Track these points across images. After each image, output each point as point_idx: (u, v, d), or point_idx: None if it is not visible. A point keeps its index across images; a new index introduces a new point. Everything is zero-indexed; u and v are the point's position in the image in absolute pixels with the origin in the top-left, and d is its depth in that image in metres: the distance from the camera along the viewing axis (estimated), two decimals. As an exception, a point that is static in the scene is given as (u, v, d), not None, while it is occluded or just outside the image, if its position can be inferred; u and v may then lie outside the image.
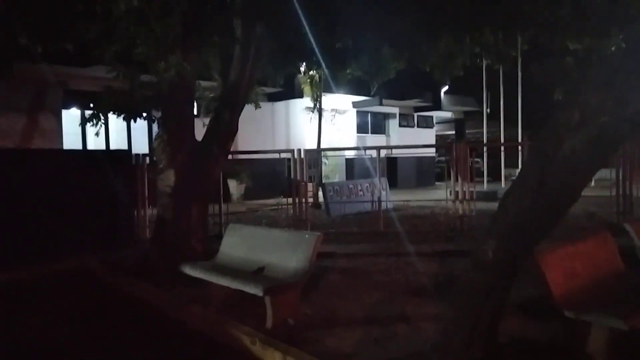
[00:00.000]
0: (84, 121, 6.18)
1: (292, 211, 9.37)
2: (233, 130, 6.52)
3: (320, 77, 14.48)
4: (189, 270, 4.88)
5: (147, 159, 8.76)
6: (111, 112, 6.21)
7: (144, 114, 6.48)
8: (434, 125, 24.92)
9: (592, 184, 10.85)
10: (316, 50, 8.68)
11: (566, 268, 3.76)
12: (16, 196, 7.05)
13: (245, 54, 6.33)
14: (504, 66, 10.95)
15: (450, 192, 14.40)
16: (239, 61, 6.33)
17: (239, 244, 5.19)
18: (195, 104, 7.36)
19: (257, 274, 4.62)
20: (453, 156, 8.86)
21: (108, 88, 6.11)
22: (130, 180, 8.35)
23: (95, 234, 7.64)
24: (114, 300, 5.53)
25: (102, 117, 6.37)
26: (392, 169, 18.62)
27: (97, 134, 6.33)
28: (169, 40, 5.80)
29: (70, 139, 13.65)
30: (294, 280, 4.31)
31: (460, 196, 8.76)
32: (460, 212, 8.71)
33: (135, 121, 6.24)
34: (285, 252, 4.64)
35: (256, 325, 4.24)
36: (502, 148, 17.35)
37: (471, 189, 9.04)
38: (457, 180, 8.91)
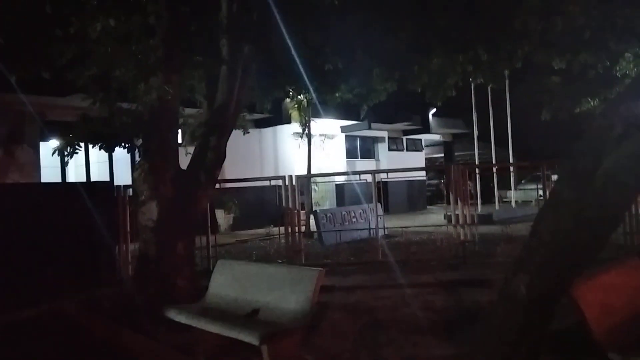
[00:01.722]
0: (59, 152, 5.65)
1: (284, 241, 8.86)
2: (221, 156, 6.06)
3: (308, 101, 14.15)
4: (174, 315, 4.33)
5: (130, 190, 8.22)
6: (87, 142, 5.70)
7: (124, 144, 6.01)
8: (423, 148, 24.74)
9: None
10: (305, 72, 8.35)
11: (604, 303, 3.31)
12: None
13: (232, 75, 5.93)
14: (497, 85, 10.68)
15: (445, 215, 14.08)
16: (226, 83, 5.92)
17: (229, 283, 4.66)
18: (179, 132, 6.90)
19: (251, 317, 4.10)
20: (450, 178, 8.47)
21: (84, 116, 5.63)
22: (111, 213, 7.79)
23: (73, 273, 7.03)
24: (91, 349, 4.92)
25: (77, 147, 5.87)
26: (384, 194, 18.19)
27: (66, 164, 5.79)
28: (150, 61, 5.39)
29: (49, 172, 13.07)
30: (293, 325, 3.80)
31: (460, 220, 8.33)
32: (462, 237, 8.27)
33: (113, 150, 5.75)
34: (282, 291, 4.13)
35: (251, 377, 3.73)
36: (495, 170, 17.08)
37: (472, 213, 8.64)
38: (455, 203, 8.51)
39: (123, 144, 5.85)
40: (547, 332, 3.09)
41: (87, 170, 13.80)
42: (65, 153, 5.56)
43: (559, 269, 2.89)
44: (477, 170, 14.91)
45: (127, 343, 4.82)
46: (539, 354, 3.08)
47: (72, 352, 4.85)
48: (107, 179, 13.58)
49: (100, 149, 5.81)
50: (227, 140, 6.26)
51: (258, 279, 4.43)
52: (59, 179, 13.11)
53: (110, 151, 5.98)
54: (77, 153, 6.03)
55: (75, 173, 15.55)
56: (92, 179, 13.92)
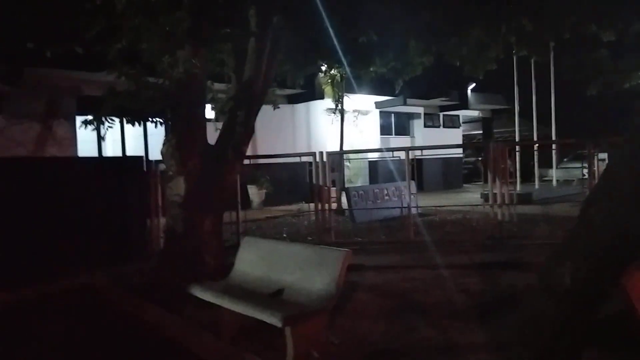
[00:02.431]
0: (86, 124, 5.63)
1: (314, 218, 8.74)
2: (249, 132, 5.91)
3: (341, 76, 13.84)
4: (199, 293, 4.26)
5: (162, 165, 8.22)
6: (114, 116, 5.64)
7: (153, 118, 5.94)
8: (460, 125, 24.01)
9: None
10: (338, 45, 8.04)
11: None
12: (21, 208, 6.58)
13: (260, 48, 5.72)
14: (542, 57, 10.09)
15: (482, 194, 13.63)
16: (254, 56, 5.73)
17: (255, 261, 4.55)
18: (208, 107, 6.79)
19: (275, 297, 3.98)
20: (490, 156, 8.09)
21: (111, 89, 5.56)
22: (143, 188, 7.83)
23: (105, 247, 7.12)
24: (118, 324, 4.95)
25: (109, 121, 5.84)
26: (418, 171, 17.81)
27: (103, 139, 5.80)
28: (177, 34, 5.24)
29: (87, 146, 13.30)
30: (318, 306, 3.65)
31: (499, 200, 7.98)
32: (499, 217, 7.93)
33: (140, 124, 5.69)
34: (308, 271, 3.98)
35: (275, 358, 3.63)
36: (536, 147, 16.39)
37: (510, 192, 8.26)
38: (493, 182, 8.15)
39: (151, 119, 5.78)
40: (593, 324, 2.84)
41: (122, 144, 13.98)
42: (93, 127, 5.52)
43: (609, 258, 2.61)
44: (517, 147, 14.33)
45: (153, 319, 4.81)
46: (583, 348, 2.84)
47: (98, 326, 4.89)
48: (142, 153, 13.75)
49: (126, 122, 5.76)
50: (256, 115, 6.10)
51: (283, 258, 4.30)
52: (95, 153, 13.34)
53: (138, 125, 5.90)
54: (111, 127, 6.02)
55: (113, 147, 15.81)
56: (128, 153, 14.11)
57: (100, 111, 5.48)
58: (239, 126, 5.76)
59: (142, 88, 5.42)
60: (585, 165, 19.47)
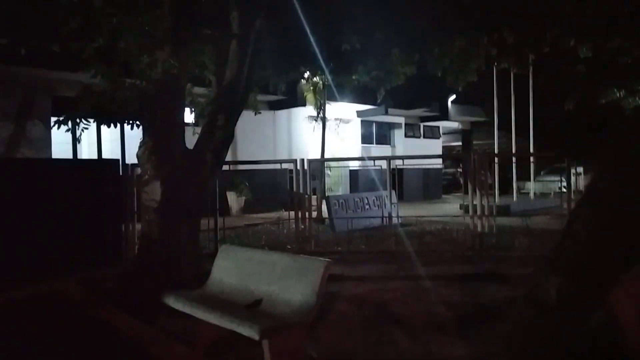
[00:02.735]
0: (59, 125, 5.42)
1: (294, 226, 8.60)
2: (229, 137, 5.77)
3: (324, 84, 13.79)
4: (172, 302, 4.09)
5: (138, 169, 8.00)
6: (89, 117, 5.44)
7: (130, 120, 5.76)
8: (440, 136, 24.20)
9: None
10: (320, 52, 7.99)
11: (642, 308, 2.98)
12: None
13: (242, 51, 5.60)
14: (522, 70, 10.21)
15: (461, 205, 13.67)
16: (236, 58, 5.60)
17: (232, 270, 4.40)
18: (187, 110, 6.63)
19: (252, 307, 3.84)
20: (471, 167, 8.09)
21: (86, 89, 5.37)
22: (118, 192, 7.59)
23: (78, 251, 6.86)
24: (85, 331, 4.73)
25: (83, 122, 5.64)
26: (398, 181, 17.79)
27: (78, 140, 5.59)
28: (157, 33, 5.09)
29: (61, 148, 12.94)
30: (297, 318, 3.53)
31: (478, 211, 7.97)
32: (479, 229, 7.92)
33: (116, 126, 5.49)
34: (287, 281, 3.86)
35: (251, 372, 3.49)
36: (514, 160, 16.56)
37: (490, 204, 8.27)
38: (473, 193, 8.15)
39: (128, 121, 5.60)
40: (578, 338, 2.78)
41: (98, 147, 13.65)
42: (67, 127, 5.31)
43: (595, 272, 2.57)
44: (496, 159, 14.44)
45: (123, 327, 4.61)
46: (568, 364, 2.78)
47: (66, 333, 4.66)
48: (119, 156, 13.43)
49: (102, 124, 5.56)
50: (237, 120, 5.96)
51: (262, 267, 4.16)
52: (70, 155, 12.98)
53: (114, 127, 5.71)
54: (87, 128, 5.82)
55: (88, 150, 15.44)
56: (105, 156, 13.77)
57: (74, 111, 5.26)
58: (219, 130, 5.61)
59: (119, 88, 5.24)
60: (564, 178, 19.85)
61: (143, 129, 5.74)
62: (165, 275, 5.32)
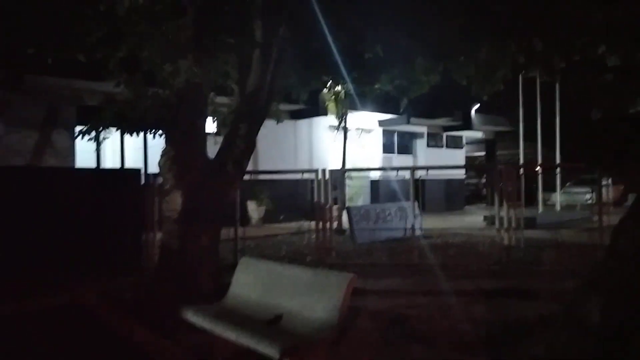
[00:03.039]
0: (82, 134, 5.42)
1: (314, 237, 8.47)
2: (250, 146, 5.69)
3: (345, 93, 13.68)
4: (191, 316, 4.00)
5: (160, 178, 7.98)
6: (111, 126, 5.43)
7: (152, 129, 5.73)
8: (463, 146, 23.84)
9: None
10: (344, 60, 7.87)
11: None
12: (12, 219, 6.34)
13: (265, 59, 5.53)
14: (551, 79, 9.93)
15: (485, 217, 13.36)
16: (259, 67, 5.53)
17: (252, 284, 4.28)
18: (209, 119, 6.58)
19: (272, 324, 3.70)
20: (497, 178, 7.85)
21: (109, 98, 5.36)
22: (140, 201, 7.58)
23: (98, 261, 6.85)
24: (102, 344, 4.67)
25: (105, 131, 5.63)
26: (420, 192, 17.57)
27: (99, 148, 5.57)
28: (180, 42, 5.05)
29: (86, 157, 13.08)
30: (318, 336, 3.38)
31: (505, 223, 7.72)
32: (506, 242, 7.67)
33: (138, 135, 5.46)
34: (308, 296, 3.72)
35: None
36: (540, 171, 16.16)
37: (518, 216, 8.01)
38: (500, 205, 7.90)
39: (150, 130, 5.56)
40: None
41: (121, 156, 13.76)
42: (89, 137, 5.30)
43: (644, 294, 2.37)
44: (521, 170, 14.09)
45: (141, 340, 4.53)
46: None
47: (82, 345, 4.60)
48: (142, 165, 13.52)
49: (124, 132, 5.54)
50: (258, 130, 5.88)
51: (283, 281, 4.04)
52: (94, 164, 13.11)
53: (136, 136, 5.69)
54: (107, 137, 5.81)
55: (113, 159, 15.61)
56: (128, 165, 13.88)
57: (97, 120, 5.25)
58: (240, 140, 5.54)
59: (141, 97, 5.21)
60: (591, 190, 19.29)
61: (165, 138, 5.70)
62: (185, 287, 5.24)
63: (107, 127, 5.40)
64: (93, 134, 5.34)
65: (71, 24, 5.67)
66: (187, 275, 5.27)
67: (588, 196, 19.85)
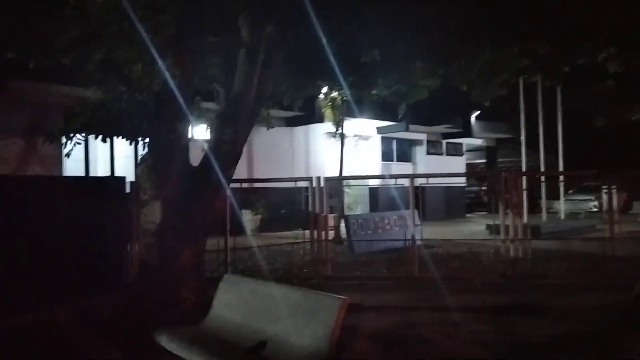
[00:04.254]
0: (49, 140, 5.01)
1: (310, 247, 8.05)
2: (236, 152, 5.28)
3: (342, 99, 13.32)
4: (165, 342, 3.58)
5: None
6: (83, 131, 5.02)
7: (127, 135, 5.32)
8: (463, 153, 23.45)
9: None
10: (339, 65, 7.48)
11: None
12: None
13: (252, 60, 5.14)
14: (555, 83, 9.57)
15: (488, 226, 12.93)
16: (244, 68, 5.14)
17: (235, 304, 3.86)
18: (192, 124, 6.18)
19: (255, 352, 3.28)
20: (501, 186, 7.44)
21: (82, 101, 4.96)
22: (124, 211, 7.14)
23: (77, 275, 6.40)
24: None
25: (73, 136, 5.23)
26: (420, 200, 17.13)
27: (67, 155, 5.17)
28: (159, 41, 4.66)
29: (74, 165, 12.67)
30: (306, 368, 2.96)
31: (511, 233, 7.29)
32: (512, 253, 7.24)
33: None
34: (295, 320, 3.30)
35: None
36: (542, 178, 15.72)
37: (524, 225, 7.58)
38: (504, 213, 7.48)
39: (124, 136, 5.15)
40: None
41: (111, 164, 13.37)
42: (62, 142, 4.90)
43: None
44: (524, 178, 13.68)
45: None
46: None
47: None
48: (132, 174, 13.10)
49: (96, 137, 5.13)
50: (246, 135, 5.49)
51: (268, 303, 3.62)
52: (82, 172, 12.71)
53: (138, 147, 5.30)
54: (79, 144, 5.41)
55: (104, 168, 15.20)
56: (118, 174, 13.47)
57: (66, 125, 4.85)
58: (226, 146, 5.13)
59: (115, 99, 4.81)
60: (595, 197, 18.88)
61: (144, 144, 5.30)
62: (165, 305, 4.81)
63: (78, 133, 4.99)
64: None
65: (45, 25, 5.29)
66: (167, 293, 4.84)
67: (592, 204, 19.48)
